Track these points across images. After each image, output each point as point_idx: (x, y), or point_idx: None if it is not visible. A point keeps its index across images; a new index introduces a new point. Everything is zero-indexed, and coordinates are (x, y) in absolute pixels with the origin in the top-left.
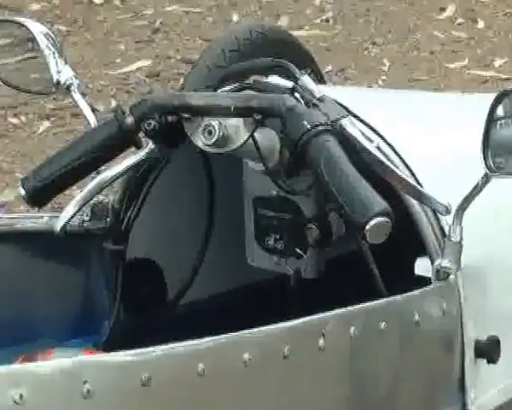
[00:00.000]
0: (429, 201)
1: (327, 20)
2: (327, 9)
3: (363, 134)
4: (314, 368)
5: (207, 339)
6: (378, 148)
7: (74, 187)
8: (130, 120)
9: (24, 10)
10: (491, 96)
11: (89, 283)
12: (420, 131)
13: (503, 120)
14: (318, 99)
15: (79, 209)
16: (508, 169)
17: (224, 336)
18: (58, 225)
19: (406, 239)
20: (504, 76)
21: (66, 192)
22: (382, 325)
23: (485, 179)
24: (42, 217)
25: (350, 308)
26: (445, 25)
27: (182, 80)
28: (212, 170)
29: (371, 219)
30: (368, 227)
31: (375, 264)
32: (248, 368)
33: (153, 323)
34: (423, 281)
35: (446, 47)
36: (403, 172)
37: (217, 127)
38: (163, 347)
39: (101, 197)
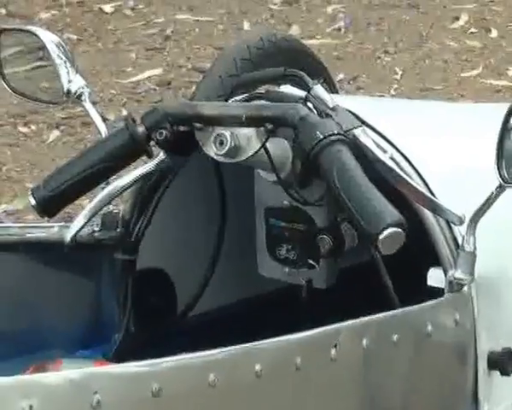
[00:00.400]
0: (443, 211)
1: (339, 29)
2: (339, 18)
3: (376, 144)
4: (326, 380)
5: (219, 350)
6: (391, 158)
7: (84, 197)
8: (141, 129)
9: (34, 19)
10: (505, 106)
11: (99, 293)
12: (433, 141)
13: None
14: (331, 109)
15: (90, 219)
16: None
17: (235, 347)
18: (68, 235)
19: (419, 250)
20: None
21: (76, 202)
22: (395, 336)
23: (500, 190)
24: (52, 227)
25: (362, 319)
26: (458, 34)
27: (193, 89)
28: (224, 180)
29: (384, 229)
30: (381, 238)
31: (387, 274)
32: (260, 379)
33: (163, 334)
34: (436, 292)
35: (459, 56)
36: (416, 183)
37: (228, 137)
38: (174, 358)
39: (111, 207)
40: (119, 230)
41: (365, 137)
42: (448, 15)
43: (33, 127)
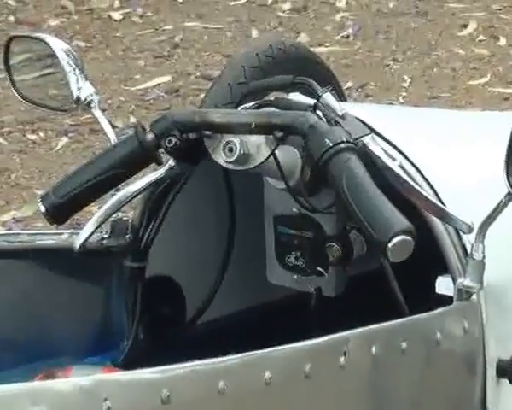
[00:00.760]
0: (452, 219)
1: (347, 37)
2: (347, 26)
3: (385, 152)
4: (335, 387)
5: (228, 357)
6: (400, 166)
7: (93, 204)
8: (150, 136)
9: (43, 26)
10: None
11: (108, 300)
12: (441, 149)
13: None
14: (340, 117)
15: (99, 226)
16: None
17: (244, 354)
18: (78, 242)
19: (428, 258)
20: None
21: (85, 209)
22: (404, 344)
23: (509, 198)
24: (61, 234)
25: (371, 327)
26: (466, 42)
27: (201, 96)
28: (233, 187)
29: (393, 237)
30: (390, 246)
31: (396, 282)
32: (269, 387)
33: (172, 341)
34: (444, 300)
35: (468, 64)
36: (425, 191)
37: (238, 144)
38: (183, 364)
39: (120, 214)
40: (128, 237)
41: (374, 145)
42: (456, 23)
43: (42, 134)
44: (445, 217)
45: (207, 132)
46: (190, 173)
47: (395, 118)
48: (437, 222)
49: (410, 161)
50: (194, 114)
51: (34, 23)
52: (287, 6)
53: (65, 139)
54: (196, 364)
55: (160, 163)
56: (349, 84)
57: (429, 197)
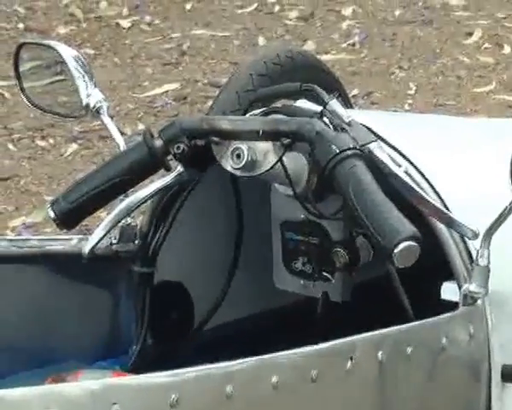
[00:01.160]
0: (457, 225)
1: (353, 45)
2: (353, 34)
3: (391, 158)
4: (342, 391)
5: (236, 362)
6: (406, 172)
7: (102, 210)
8: (159, 143)
9: (52, 34)
10: None
11: (116, 305)
12: (447, 156)
13: None
14: (347, 123)
15: (108, 232)
16: None
17: (252, 358)
18: (87, 248)
19: (433, 263)
20: None
21: (94, 215)
22: (410, 349)
23: None
24: (71, 239)
25: (377, 332)
26: (471, 50)
27: (209, 103)
28: (241, 193)
29: (399, 243)
30: (396, 251)
31: (402, 288)
32: (277, 391)
33: (179, 346)
34: (449, 305)
35: (473, 72)
36: (431, 197)
37: (245, 151)
38: (192, 369)
39: (129, 220)
40: (136, 242)
41: (380, 152)
42: (461, 31)
43: (51, 141)
44: (450, 223)
45: (215, 139)
46: (198, 180)
47: (401, 125)
48: (443, 228)
49: (415, 168)
50: (202, 120)
51: (43, 31)
52: (293, 14)
53: (74, 146)
54: (204, 368)
55: (168, 169)
56: (355, 91)
57: (435, 204)
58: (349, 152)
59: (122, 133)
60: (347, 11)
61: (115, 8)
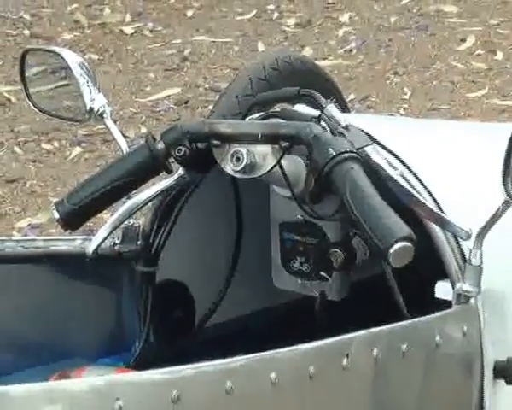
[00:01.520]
0: (451, 226)
1: (350, 51)
2: (350, 40)
3: (387, 162)
4: (338, 388)
5: (235, 358)
6: (402, 175)
7: (105, 211)
8: (161, 146)
9: (57, 40)
10: (511, 126)
11: (119, 304)
12: (441, 159)
13: None
14: (344, 127)
15: (111, 232)
16: None
17: (252, 355)
18: (90, 248)
19: (428, 263)
20: None
21: (98, 216)
22: (404, 346)
23: (505, 205)
24: (75, 240)
25: (373, 330)
26: (464, 56)
27: (209, 108)
28: (240, 195)
29: (394, 243)
30: (391, 251)
31: (397, 287)
32: (275, 387)
33: (181, 344)
34: (443, 304)
35: (466, 77)
36: (425, 199)
37: (245, 154)
38: (192, 365)
39: (132, 221)
40: (139, 243)
41: (376, 155)
42: (455, 38)
43: (56, 144)
44: (444, 224)
45: (216, 142)
46: (199, 182)
47: (396, 129)
48: (437, 229)
49: (410, 171)
50: (203, 124)
51: (49, 37)
52: (292, 21)
53: (78, 149)
54: (205, 365)
55: (170, 172)
56: (352, 96)
57: (429, 205)
58: (346, 155)
59: (125, 137)
60: (344, 18)
61: (118, 15)
